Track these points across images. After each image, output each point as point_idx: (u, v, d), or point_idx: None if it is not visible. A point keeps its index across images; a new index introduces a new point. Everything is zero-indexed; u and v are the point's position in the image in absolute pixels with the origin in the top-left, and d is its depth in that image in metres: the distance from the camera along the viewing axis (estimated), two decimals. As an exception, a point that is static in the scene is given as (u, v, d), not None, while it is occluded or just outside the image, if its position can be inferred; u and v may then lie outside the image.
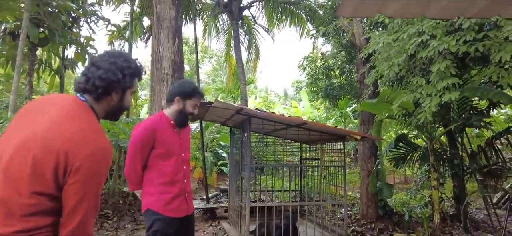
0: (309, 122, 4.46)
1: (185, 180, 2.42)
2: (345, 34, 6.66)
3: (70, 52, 6.96)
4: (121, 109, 1.53)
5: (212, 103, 4.34)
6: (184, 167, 2.42)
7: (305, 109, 18.90)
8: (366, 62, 5.77)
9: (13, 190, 1.23)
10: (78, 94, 1.42)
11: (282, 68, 54.18)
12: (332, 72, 11.26)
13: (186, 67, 24.59)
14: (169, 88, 2.54)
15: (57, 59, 6.86)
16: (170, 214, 2.28)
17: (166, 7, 4.15)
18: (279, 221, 4.63)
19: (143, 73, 1.63)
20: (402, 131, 6.56)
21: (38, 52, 7.23)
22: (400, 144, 5.80)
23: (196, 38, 5.66)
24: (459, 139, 5.91)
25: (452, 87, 3.48)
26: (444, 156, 5.78)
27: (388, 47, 3.94)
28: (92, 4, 7.45)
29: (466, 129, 6.70)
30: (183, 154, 2.42)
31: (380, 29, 5.41)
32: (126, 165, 2.29)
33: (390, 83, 5.60)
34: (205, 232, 5.54)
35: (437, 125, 5.36)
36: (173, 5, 4.19)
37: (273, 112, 5.34)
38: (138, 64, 1.57)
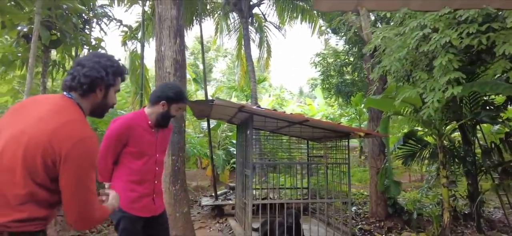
0: (311, 119, 4.43)
1: (156, 181, 2.41)
2: (351, 29, 6.54)
3: (83, 53, 7.14)
4: (105, 106, 1.60)
5: (214, 101, 4.37)
6: (157, 168, 2.41)
7: (319, 106, 18.71)
8: (372, 58, 5.66)
9: (8, 180, 1.33)
10: (64, 92, 1.50)
11: (297, 65, 53.77)
12: (344, 69, 11.09)
13: (201, 66, 24.85)
14: (154, 90, 2.54)
15: (71, 60, 7.05)
16: (135, 212, 2.28)
17: (167, 7, 4.21)
18: (283, 218, 4.62)
19: (126, 73, 1.70)
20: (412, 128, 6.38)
21: (54, 54, 7.47)
22: (409, 141, 5.65)
23: (202, 38, 5.69)
24: (472, 135, 5.70)
25: (455, 82, 3.36)
26: (455, 153, 5.59)
27: (390, 41, 3.85)
28: (104, 6, 7.61)
29: (483, 125, 6.46)
30: (157, 155, 2.41)
31: (392, 23, 5.28)
32: (99, 157, 2.31)
33: (401, 79, 5.47)
34: (211, 229, 5.60)
35: (447, 121, 5.19)
36: (174, 5, 4.24)
37: (274, 110, 5.32)
38: (121, 64, 1.64)
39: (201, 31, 6.60)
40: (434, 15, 3.41)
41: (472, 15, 3.17)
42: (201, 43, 5.83)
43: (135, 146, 2.31)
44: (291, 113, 5.18)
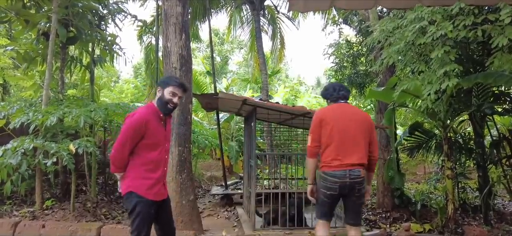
0: (313, 111, 4.50)
1: (165, 168, 2.65)
2: (360, 20, 6.52)
3: (99, 49, 7.46)
4: None
5: (219, 94, 4.55)
6: (166, 156, 2.66)
7: (335, 97, 18.53)
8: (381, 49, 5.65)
9: (359, 143, 2.97)
10: (342, 100, 3.15)
11: (314, 57, 53.22)
12: (357, 60, 10.98)
13: (218, 59, 25.11)
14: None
15: (88, 56, 7.39)
16: (151, 197, 2.51)
17: (172, 4, 4.38)
18: (286, 207, 4.78)
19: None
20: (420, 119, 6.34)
21: (72, 50, 7.83)
22: (416, 132, 5.64)
23: (210, 32, 5.85)
24: (481, 127, 5.61)
25: (452, 74, 3.38)
26: (463, 145, 5.54)
27: (389, 34, 3.88)
28: (118, 2, 7.86)
29: (497, 116, 6.32)
30: (166, 144, 2.65)
31: (391, 15, 5.25)
32: (115, 149, 2.50)
33: (405, 71, 5.45)
34: (219, 216, 5.83)
35: (453, 113, 5.15)
36: (179, 2, 4.41)
37: (277, 103, 5.43)
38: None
39: (210, 25, 6.77)
40: (432, 7, 3.42)
41: (468, 7, 3.17)
42: (210, 36, 6.00)
43: (151, 138, 2.52)
44: (293, 106, 5.29)
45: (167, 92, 2.58)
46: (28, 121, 4.82)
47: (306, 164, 3.30)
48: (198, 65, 21.75)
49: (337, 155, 2.91)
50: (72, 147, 4.39)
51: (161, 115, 2.61)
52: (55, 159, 4.55)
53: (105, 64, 7.66)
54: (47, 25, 6.29)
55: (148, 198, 2.50)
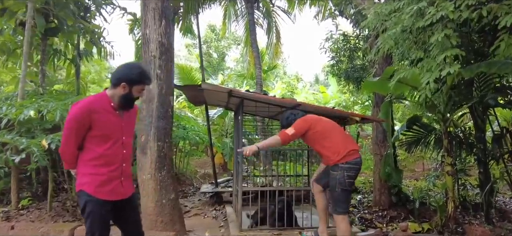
0: (304, 103, 4.22)
1: (124, 164, 2.34)
2: (356, 11, 6.21)
3: (84, 42, 7.13)
4: None
5: (202, 85, 4.24)
6: (124, 151, 2.34)
7: (333, 94, 18.29)
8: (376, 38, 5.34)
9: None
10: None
11: (312, 54, 52.90)
12: (354, 53, 10.68)
13: (214, 55, 24.79)
14: (114, 71, 2.40)
15: (73, 49, 7.07)
16: (102, 196, 2.22)
17: (151, -12, 4.07)
18: (274, 206, 4.49)
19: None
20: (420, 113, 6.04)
21: (57, 43, 7.50)
22: (414, 126, 5.34)
23: (198, 25, 5.57)
24: (482, 121, 5.31)
25: (454, 60, 3.07)
26: (463, 140, 5.24)
27: (385, 18, 3.57)
28: (106, -7, 7.51)
29: (498, 109, 6.03)
30: (123, 138, 2.33)
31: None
32: (61, 144, 2.25)
33: (403, 59, 5.14)
34: (206, 216, 5.53)
35: (453, 105, 4.85)
36: (158, -14, 4.09)
37: (274, 96, 5.12)
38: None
39: (197, 14, 6.47)
40: (431, -14, 3.11)
41: (471, -15, 2.86)
42: (197, 24, 5.71)
43: (99, 129, 2.24)
44: (283, 98, 4.99)
45: (137, 90, 2.30)
46: (0, 115, 4.51)
47: (272, 140, 3.38)
48: (195, 61, 21.42)
49: (347, 146, 3.26)
50: (44, 142, 4.08)
51: (113, 104, 2.29)
52: (24, 156, 4.24)
53: (93, 58, 7.33)
54: (25, 16, 5.97)
55: (98, 197, 2.21)
